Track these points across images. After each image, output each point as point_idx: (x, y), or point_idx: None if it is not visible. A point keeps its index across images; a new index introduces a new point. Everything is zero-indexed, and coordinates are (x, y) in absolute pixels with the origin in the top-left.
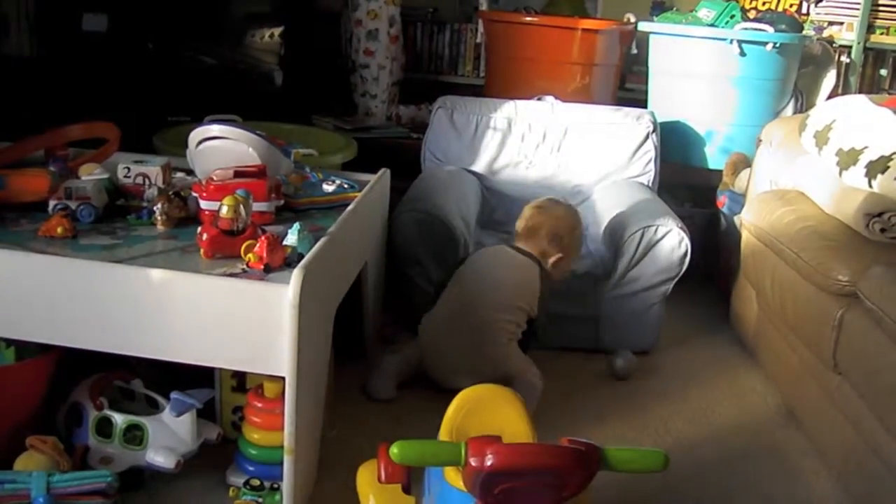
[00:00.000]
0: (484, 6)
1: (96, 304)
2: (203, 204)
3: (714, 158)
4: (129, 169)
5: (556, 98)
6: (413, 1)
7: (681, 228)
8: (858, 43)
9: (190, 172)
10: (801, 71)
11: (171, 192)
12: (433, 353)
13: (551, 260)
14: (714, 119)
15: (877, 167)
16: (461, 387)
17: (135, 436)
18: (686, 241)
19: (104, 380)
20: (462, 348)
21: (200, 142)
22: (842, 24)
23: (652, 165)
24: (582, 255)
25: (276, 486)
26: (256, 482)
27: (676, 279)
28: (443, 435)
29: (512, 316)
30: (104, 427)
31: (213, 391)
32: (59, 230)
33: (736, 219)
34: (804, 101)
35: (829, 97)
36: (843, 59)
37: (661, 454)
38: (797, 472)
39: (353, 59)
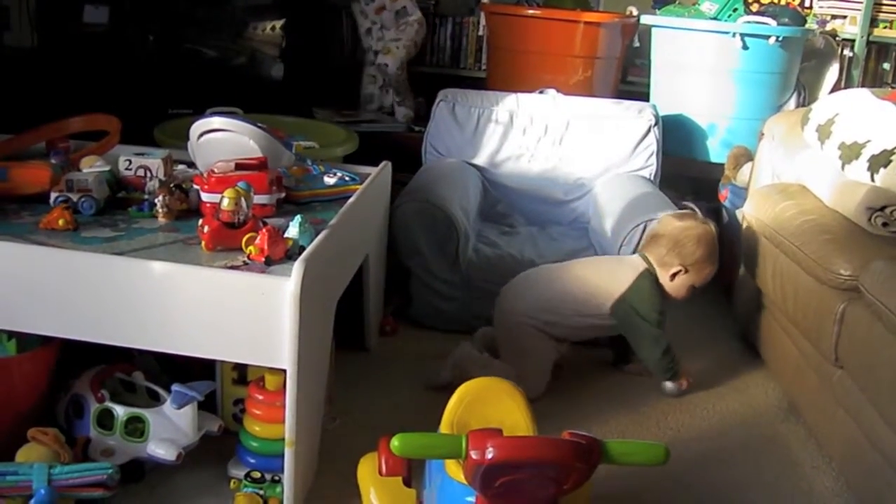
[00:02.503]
0: None
1: (97, 297)
2: (204, 196)
3: (716, 152)
4: (130, 161)
5: (558, 91)
6: None
7: None
8: (861, 37)
9: (191, 165)
10: (803, 65)
11: (172, 185)
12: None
13: (671, 272)
14: (716, 112)
15: (879, 161)
16: None
17: (136, 428)
18: None
19: (105, 372)
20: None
21: (201, 134)
22: (845, 17)
23: (654, 159)
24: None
25: (277, 478)
26: (257, 474)
27: None
28: (444, 427)
29: (545, 316)
30: (105, 419)
31: (214, 383)
32: (61, 222)
33: (738, 212)
34: (807, 95)
35: (832, 91)
36: (846, 52)
37: (661, 447)
38: (798, 464)
39: (375, 49)
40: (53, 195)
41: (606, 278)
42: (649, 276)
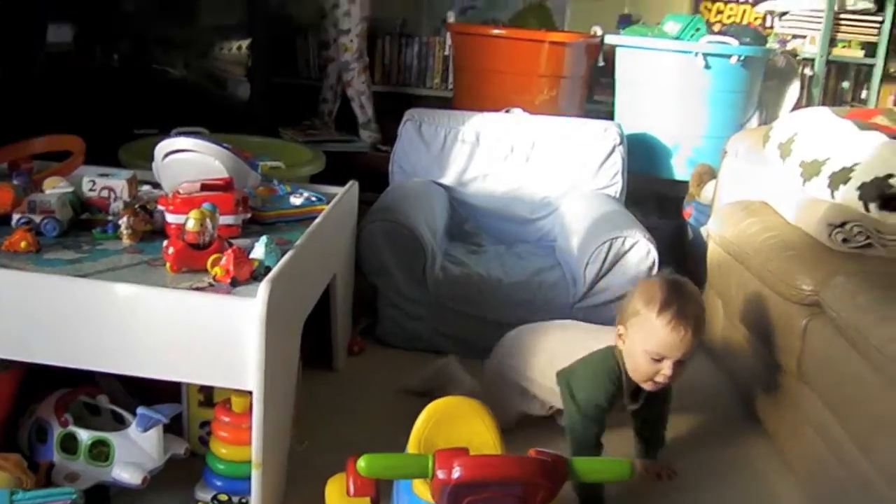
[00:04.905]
0: (452, 19)
1: (61, 319)
2: (169, 217)
3: (680, 170)
4: (94, 182)
5: (524, 110)
6: (381, 13)
7: (648, 239)
8: (821, 56)
9: (156, 185)
10: (765, 83)
11: (136, 206)
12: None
13: (618, 334)
14: (680, 131)
15: (839, 178)
16: None
17: (101, 452)
18: (653, 252)
19: (69, 396)
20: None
21: (167, 154)
22: (805, 37)
23: (619, 177)
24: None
25: (244, 500)
26: (224, 497)
27: None
28: (411, 447)
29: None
30: (69, 443)
31: (180, 406)
32: (23, 244)
33: (702, 229)
34: (768, 114)
35: (793, 109)
36: (807, 71)
37: (626, 463)
38: (762, 479)
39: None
40: (15, 217)
41: (578, 346)
42: (610, 353)
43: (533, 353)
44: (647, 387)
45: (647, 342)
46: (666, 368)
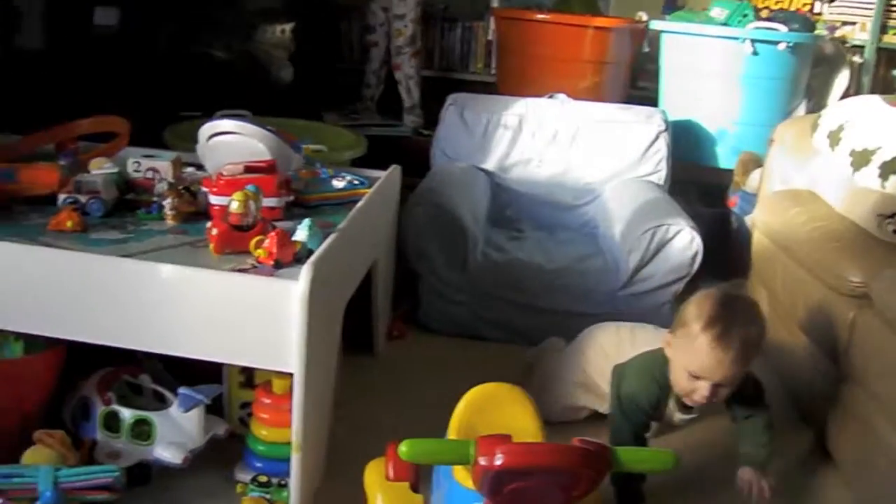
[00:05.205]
0: (496, 3)
1: (105, 299)
2: (213, 199)
3: (725, 158)
4: (139, 163)
5: (568, 96)
6: None
7: (692, 228)
8: (871, 43)
9: (200, 167)
10: (813, 71)
11: (180, 187)
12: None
13: (665, 340)
14: (726, 118)
15: (890, 167)
16: None
17: (142, 430)
18: (697, 241)
19: (112, 374)
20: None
21: (211, 137)
22: (855, 24)
23: (663, 164)
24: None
25: (283, 482)
26: (264, 478)
27: (688, 279)
28: (451, 433)
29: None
30: (112, 421)
31: (221, 387)
32: (69, 224)
33: (747, 219)
34: (815, 102)
35: (842, 98)
36: (856, 59)
37: (670, 454)
38: (807, 473)
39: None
40: (62, 196)
41: (641, 339)
42: (662, 356)
43: (597, 339)
44: (686, 402)
45: (686, 358)
46: (703, 389)
